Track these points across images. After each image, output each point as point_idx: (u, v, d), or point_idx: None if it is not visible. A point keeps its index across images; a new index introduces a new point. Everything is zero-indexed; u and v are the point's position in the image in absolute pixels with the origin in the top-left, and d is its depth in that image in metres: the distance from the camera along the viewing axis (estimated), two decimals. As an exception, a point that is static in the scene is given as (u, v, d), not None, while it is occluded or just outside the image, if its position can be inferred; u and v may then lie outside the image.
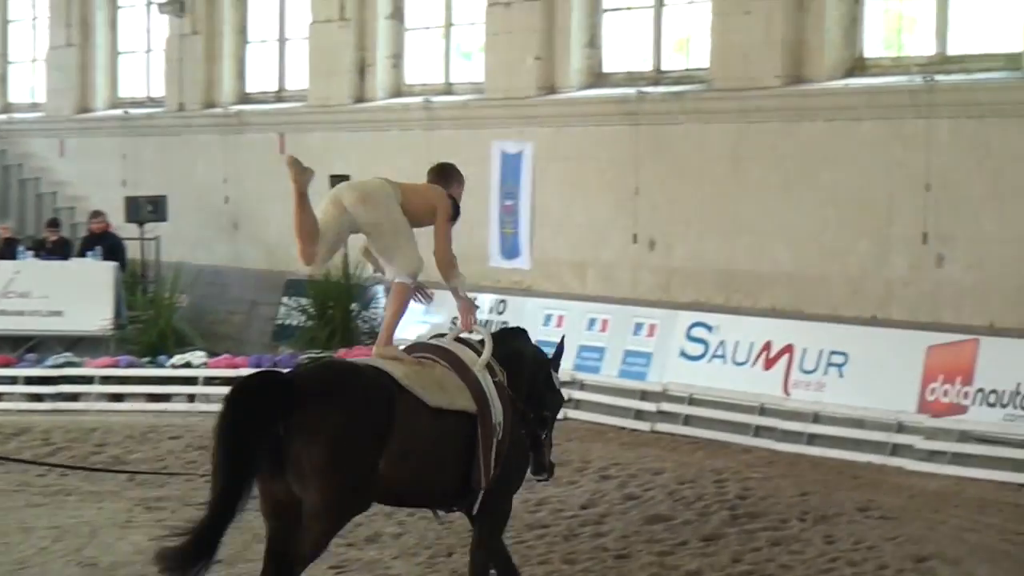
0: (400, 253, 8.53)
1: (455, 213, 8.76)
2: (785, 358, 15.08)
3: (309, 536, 7.48)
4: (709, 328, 15.85)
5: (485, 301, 18.40)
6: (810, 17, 15.62)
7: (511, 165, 18.64)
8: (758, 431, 14.80)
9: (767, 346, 15.27)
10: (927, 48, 15.19)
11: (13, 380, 18.04)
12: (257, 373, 7.80)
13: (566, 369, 16.88)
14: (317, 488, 7.39)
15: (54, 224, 21.61)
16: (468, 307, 8.76)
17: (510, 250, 18.63)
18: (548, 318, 17.48)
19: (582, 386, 16.58)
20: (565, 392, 15.62)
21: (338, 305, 19.14)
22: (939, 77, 14.50)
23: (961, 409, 13.66)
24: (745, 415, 14.96)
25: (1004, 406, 13.43)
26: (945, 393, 13.86)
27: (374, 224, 8.53)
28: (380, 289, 19.72)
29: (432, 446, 7.97)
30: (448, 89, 20.16)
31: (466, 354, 8.44)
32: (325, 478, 7.39)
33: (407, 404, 7.82)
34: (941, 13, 14.91)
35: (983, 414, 13.51)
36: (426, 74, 20.67)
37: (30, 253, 20.61)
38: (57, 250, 20.77)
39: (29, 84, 27.31)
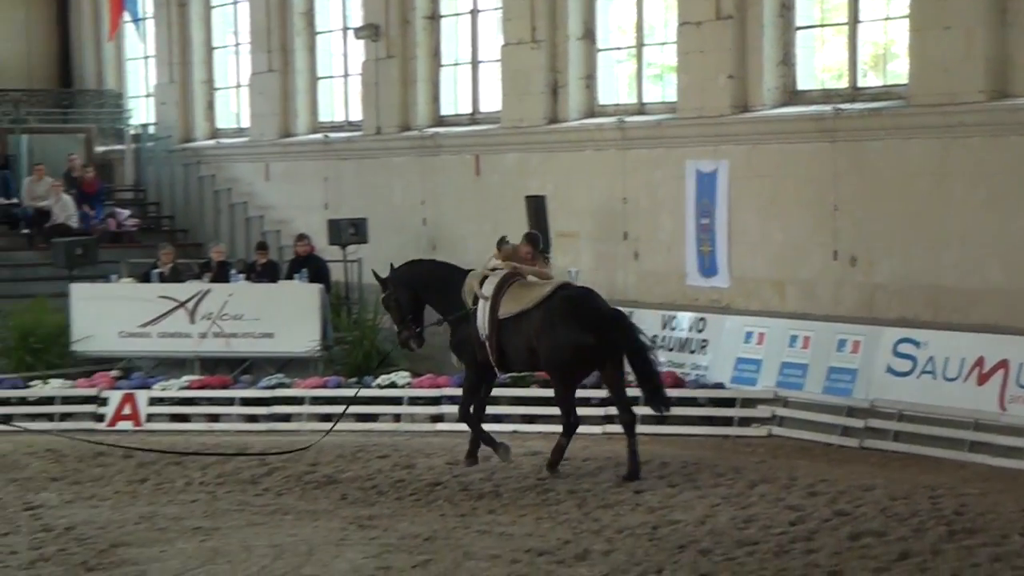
0: None
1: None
2: (1000, 373, 14.86)
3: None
4: (917, 344, 15.70)
5: (683, 320, 18.47)
6: (1014, 32, 15.39)
7: (706, 183, 18.69)
8: (973, 447, 14.62)
9: (980, 361, 15.05)
10: None
11: (230, 401, 18.65)
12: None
13: (768, 385, 16.90)
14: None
15: (263, 247, 22.03)
16: None
17: (708, 268, 18.67)
18: (749, 336, 17.43)
19: (786, 403, 16.55)
20: (768, 409, 15.90)
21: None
22: None
23: None
24: (959, 431, 14.80)
25: None
26: None
27: None
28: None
29: None
30: (641, 109, 20.28)
31: None
32: None
33: None
34: None
35: None
36: (618, 94, 20.82)
37: (241, 276, 21.10)
38: (266, 273, 21.20)
39: (234, 110, 27.98)
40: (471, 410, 14.99)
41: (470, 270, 15.34)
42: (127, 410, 18.30)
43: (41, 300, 21.30)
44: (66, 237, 23.35)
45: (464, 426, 15.32)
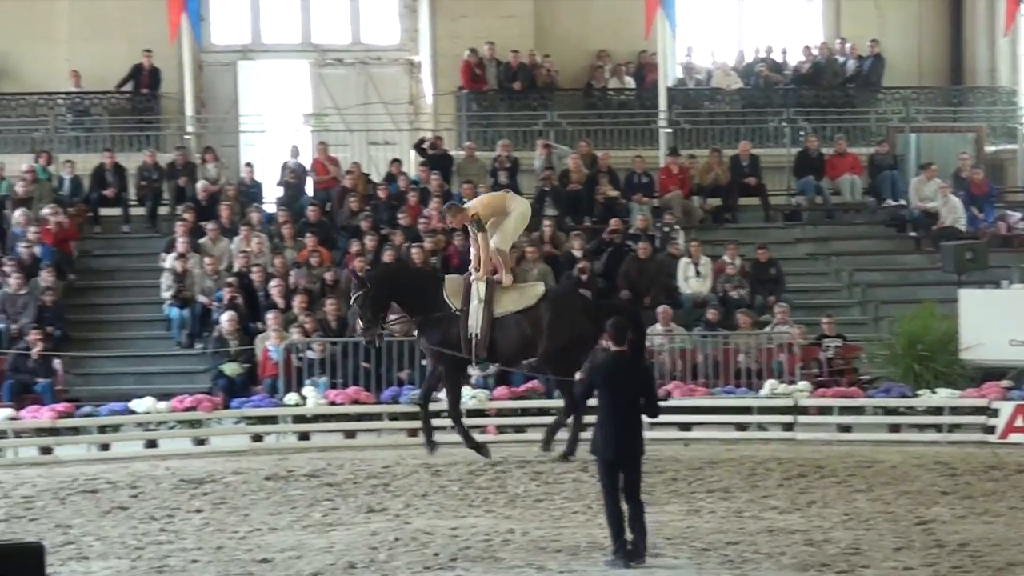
0: None
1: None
2: None
3: None
4: None
5: None
6: None
7: None
8: None
9: None
10: None
11: None
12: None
13: None
14: None
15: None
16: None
17: None
18: None
19: None
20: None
21: None
22: None
23: None
24: None
25: None
26: None
27: None
28: None
29: None
30: None
31: None
32: None
33: None
34: None
35: None
36: None
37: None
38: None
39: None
40: (456, 406, 16.53)
41: (439, 275, 17.33)
42: (1019, 422, 17.45)
43: (929, 306, 20.71)
44: (954, 240, 22.75)
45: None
